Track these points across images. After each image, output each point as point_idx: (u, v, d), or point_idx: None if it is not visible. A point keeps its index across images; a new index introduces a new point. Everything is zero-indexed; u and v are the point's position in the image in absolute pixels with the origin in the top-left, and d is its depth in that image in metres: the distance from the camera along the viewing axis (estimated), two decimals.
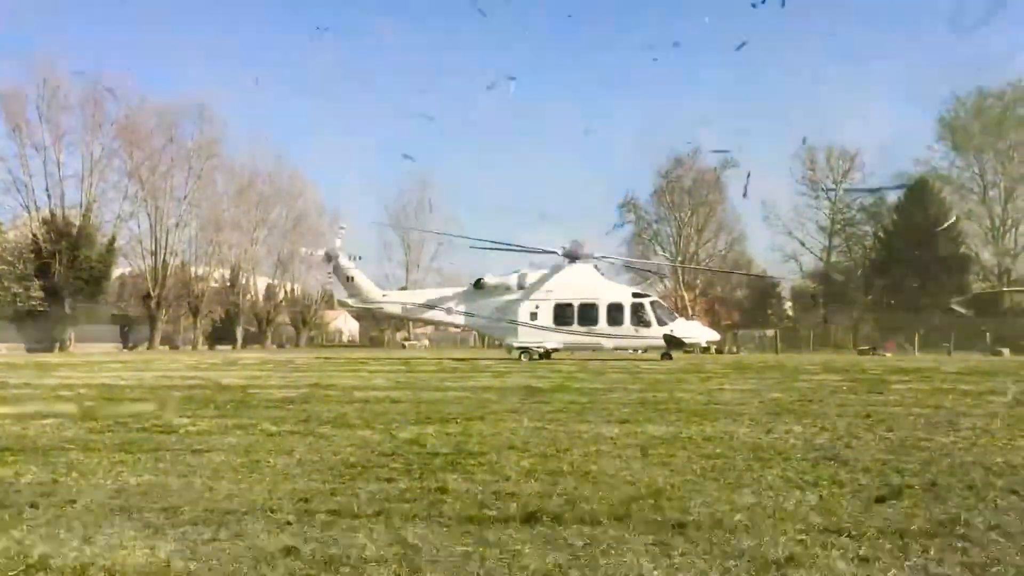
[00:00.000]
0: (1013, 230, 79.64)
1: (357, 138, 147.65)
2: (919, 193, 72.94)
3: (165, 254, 71.72)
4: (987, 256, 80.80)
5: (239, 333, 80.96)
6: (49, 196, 63.44)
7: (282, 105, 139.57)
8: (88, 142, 64.66)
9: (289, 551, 4.33)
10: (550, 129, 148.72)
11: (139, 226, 71.15)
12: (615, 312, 36.96)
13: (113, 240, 66.55)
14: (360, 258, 45.53)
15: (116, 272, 73.31)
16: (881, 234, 77.48)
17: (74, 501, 5.63)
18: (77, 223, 62.85)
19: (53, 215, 62.53)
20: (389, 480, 6.39)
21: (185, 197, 73.31)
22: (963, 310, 50.69)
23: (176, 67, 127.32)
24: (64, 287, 60.50)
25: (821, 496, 5.73)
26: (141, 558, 4.20)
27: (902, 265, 71.11)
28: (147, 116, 69.95)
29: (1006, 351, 49.14)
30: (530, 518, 5.07)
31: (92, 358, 40.70)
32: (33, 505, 5.53)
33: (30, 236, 62.39)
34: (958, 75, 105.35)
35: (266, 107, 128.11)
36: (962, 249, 74.14)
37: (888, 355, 49.45)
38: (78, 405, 12.81)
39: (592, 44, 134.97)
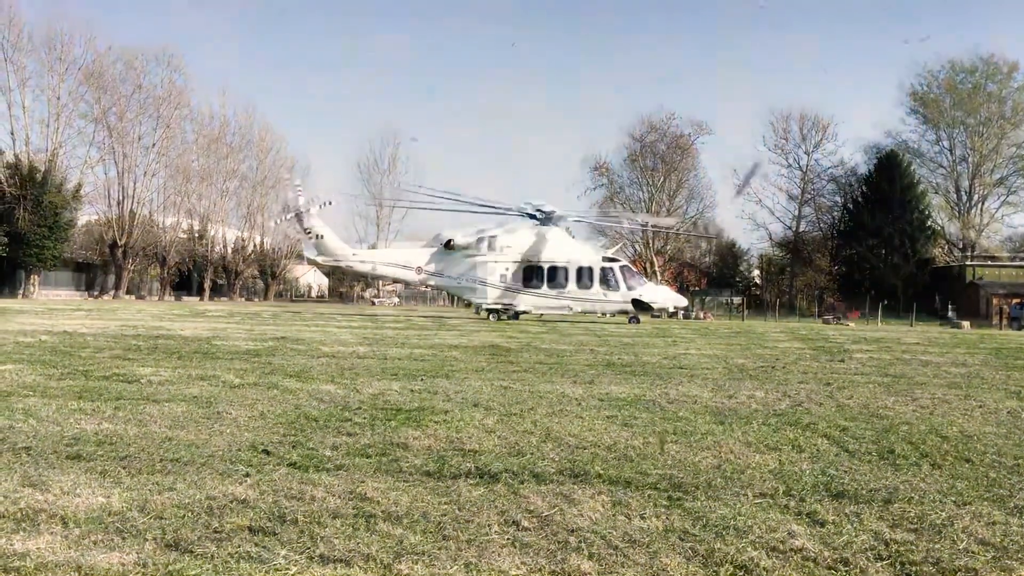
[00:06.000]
0: (979, 204, 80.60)
1: (329, 92, 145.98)
2: (888, 165, 73.47)
3: (132, 203, 70.65)
4: (952, 230, 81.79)
5: (206, 285, 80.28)
6: (14, 140, 62.09)
7: (253, 58, 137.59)
8: (54, 86, 63.22)
9: (245, 503, 4.29)
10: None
11: (106, 173, 70.03)
12: (584, 275, 37.02)
13: (79, 187, 65.31)
14: (330, 203, 45.49)
15: (82, 219, 72.16)
16: (849, 205, 78.10)
17: (29, 448, 5.55)
18: (42, 168, 61.53)
19: (18, 159, 61.14)
20: (350, 434, 6.36)
21: (153, 145, 72.15)
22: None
23: (145, 11, 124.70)
24: (28, 233, 59.35)
25: (780, 461, 5.78)
26: (94, 506, 4.14)
27: (869, 236, 71.82)
28: (114, 62, 68.57)
29: (966, 324, 49.94)
30: (490, 475, 5.07)
31: (55, 305, 40.16)
32: None
33: None
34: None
35: (238, 58, 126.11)
36: (928, 222, 74.99)
37: (851, 324, 50.05)
38: (39, 351, 12.64)
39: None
